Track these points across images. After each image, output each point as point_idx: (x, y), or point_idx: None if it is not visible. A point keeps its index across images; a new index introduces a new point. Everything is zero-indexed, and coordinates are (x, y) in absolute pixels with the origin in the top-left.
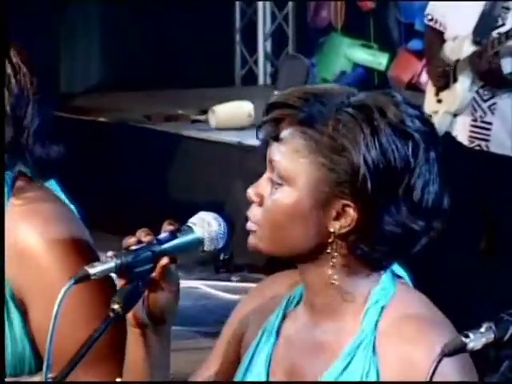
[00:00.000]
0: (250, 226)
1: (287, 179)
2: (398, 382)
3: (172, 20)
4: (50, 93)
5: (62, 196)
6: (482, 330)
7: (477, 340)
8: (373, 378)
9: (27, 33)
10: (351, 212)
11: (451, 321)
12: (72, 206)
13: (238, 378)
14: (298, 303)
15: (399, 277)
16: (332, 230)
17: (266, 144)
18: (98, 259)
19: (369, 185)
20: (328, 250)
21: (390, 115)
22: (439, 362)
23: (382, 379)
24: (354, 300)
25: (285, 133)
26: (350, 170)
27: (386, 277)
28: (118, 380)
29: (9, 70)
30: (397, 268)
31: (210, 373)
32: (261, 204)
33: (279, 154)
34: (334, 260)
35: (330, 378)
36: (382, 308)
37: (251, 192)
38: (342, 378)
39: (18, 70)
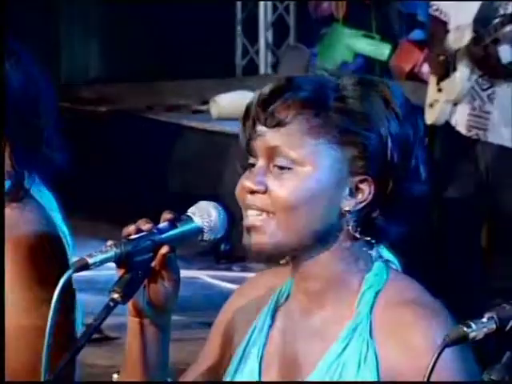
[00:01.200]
0: (262, 220)
1: (299, 161)
2: (398, 382)
3: (173, 10)
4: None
5: (43, 188)
6: (484, 319)
7: (478, 330)
8: (371, 361)
9: (28, 24)
10: (367, 187)
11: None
12: (50, 198)
13: (229, 375)
14: (287, 297)
15: (390, 262)
16: (347, 208)
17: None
18: (63, 252)
19: (389, 157)
20: (337, 229)
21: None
22: (440, 352)
23: (381, 364)
24: (349, 287)
25: (288, 117)
26: (368, 144)
27: (378, 264)
28: (116, 377)
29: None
30: (386, 253)
31: (200, 374)
32: (265, 192)
33: (283, 137)
34: (336, 243)
35: (328, 362)
36: (377, 293)
37: (249, 183)
38: (340, 361)
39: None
